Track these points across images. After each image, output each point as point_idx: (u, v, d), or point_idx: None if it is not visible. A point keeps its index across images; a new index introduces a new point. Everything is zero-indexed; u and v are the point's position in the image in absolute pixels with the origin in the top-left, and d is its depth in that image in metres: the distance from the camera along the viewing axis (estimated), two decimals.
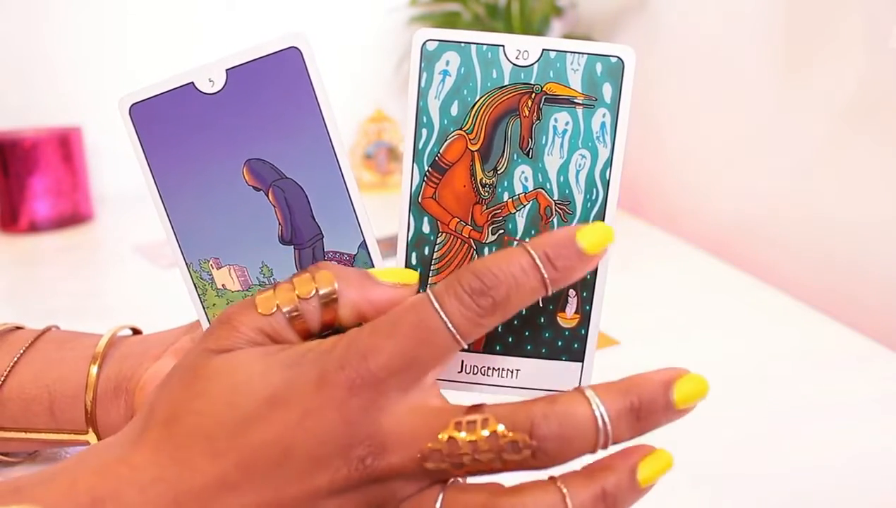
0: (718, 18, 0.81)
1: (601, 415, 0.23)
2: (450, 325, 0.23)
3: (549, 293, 0.25)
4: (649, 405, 0.23)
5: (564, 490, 0.23)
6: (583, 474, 0.23)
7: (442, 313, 0.24)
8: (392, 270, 0.28)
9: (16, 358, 0.37)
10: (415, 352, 0.23)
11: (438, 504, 0.23)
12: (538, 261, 0.24)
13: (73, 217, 0.95)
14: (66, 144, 0.94)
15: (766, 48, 0.73)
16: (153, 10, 1.07)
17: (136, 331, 0.41)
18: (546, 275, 0.24)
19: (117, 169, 1.06)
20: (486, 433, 0.23)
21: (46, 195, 0.93)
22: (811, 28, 0.68)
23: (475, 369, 0.30)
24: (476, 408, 0.24)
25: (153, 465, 0.23)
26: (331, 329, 0.27)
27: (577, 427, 0.22)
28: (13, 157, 0.91)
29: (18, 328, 0.40)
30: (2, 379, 0.36)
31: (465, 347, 0.24)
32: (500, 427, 0.23)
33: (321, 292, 0.26)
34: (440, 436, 0.23)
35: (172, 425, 0.24)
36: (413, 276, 0.28)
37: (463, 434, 0.23)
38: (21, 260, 0.84)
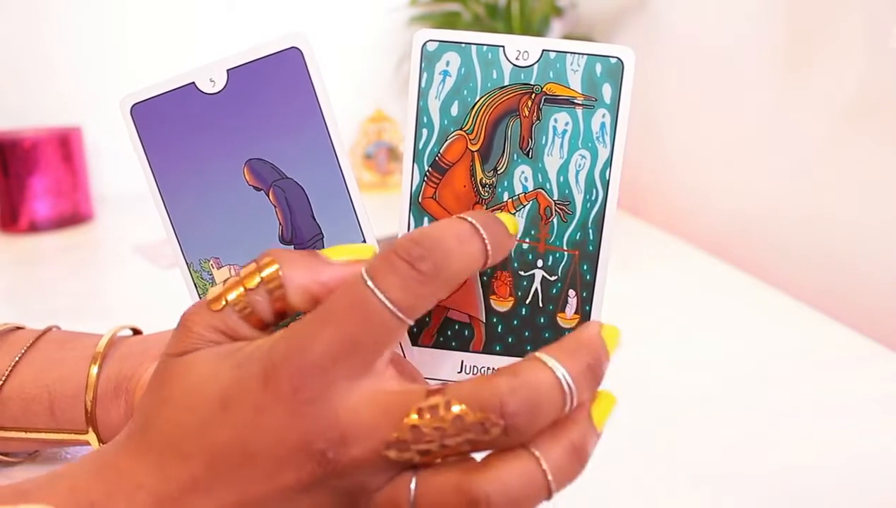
0: (718, 18, 0.81)
1: (564, 378, 0.22)
2: (387, 302, 0.22)
3: (487, 265, 0.24)
4: (599, 360, 0.23)
5: (537, 454, 0.22)
6: (547, 434, 0.23)
7: (376, 290, 0.22)
8: (343, 247, 0.27)
9: (17, 358, 0.37)
10: (355, 336, 0.22)
11: (412, 491, 0.22)
12: (478, 227, 0.24)
13: (73, 217, 0.95)
14: (66, 144, 0.94)
15: (766, 48, 0.73)
16: (153, 10, 1.07)
17: (136, 331, 0.41)
18: (486, 240, 0.24)
19: (117, 169, 1.06)
20: (450, 416, 0.22)
21: (46, 195, 0.93)
22: (811, 28, 0.68)
23: (475, 369, 0.30)
24: (437, 391, 0.22)
25: (135, 472, 0.23)
26: (289, 318, 0.26)
27: (544, 396, 0.22)
28: (13, 157, 0.91)
29: (19, 328, 0.40)
30: (2, 379, 0.36)
31: (411, 324, 0.23)
32: (464, 409, 0.22)
33: (265, 280, 0.25)
34: (403, 422, 0.22)
35: (146, 432, 0.24)
36: (368, 251, 0.27)
37: (427, 418, 0.22)
38: (21, 260, 0.84)
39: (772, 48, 0.72)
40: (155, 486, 0.23)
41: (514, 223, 0.27)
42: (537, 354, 0.23)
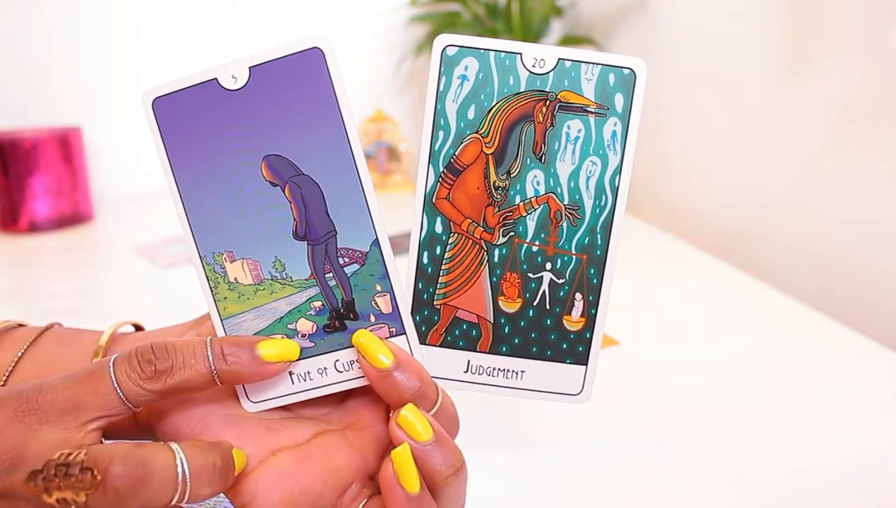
0: (718, 18, 0.81)
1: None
2: (115, 382, 0.27)
3: (218, 383, 0.28)
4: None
5: None
6: None
7: (112, 371, 0.27)
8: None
9: (19, 354, 0.37)
10: (81, 397, 0.27)
11: None
12: (209, 352, 0.28)
13: (73, 217, 0.95)
14: (66, 144, 0.94)
15: (766, 48, 0.73)
16: (154, 11, 1.07)
17: (137, 327, 0.41)
18: (213, 367, 0.28)
19: (117, 169, 1.06)
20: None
21: (46, 195, 0.92)
22: (811, 28, 0.68)
23: (481, 369, 0.31)
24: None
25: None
26: None
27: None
28: (13, 157, 0.91)
29: (21, 325, 0.40)
30: (5, 375, 0.36)
31: (133, 409, 0.27)
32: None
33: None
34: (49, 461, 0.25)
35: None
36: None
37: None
38: (21, 260, 0.84)
39: (772, 48, 0.73)
40: None
41: (275, 353, 0.30)
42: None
